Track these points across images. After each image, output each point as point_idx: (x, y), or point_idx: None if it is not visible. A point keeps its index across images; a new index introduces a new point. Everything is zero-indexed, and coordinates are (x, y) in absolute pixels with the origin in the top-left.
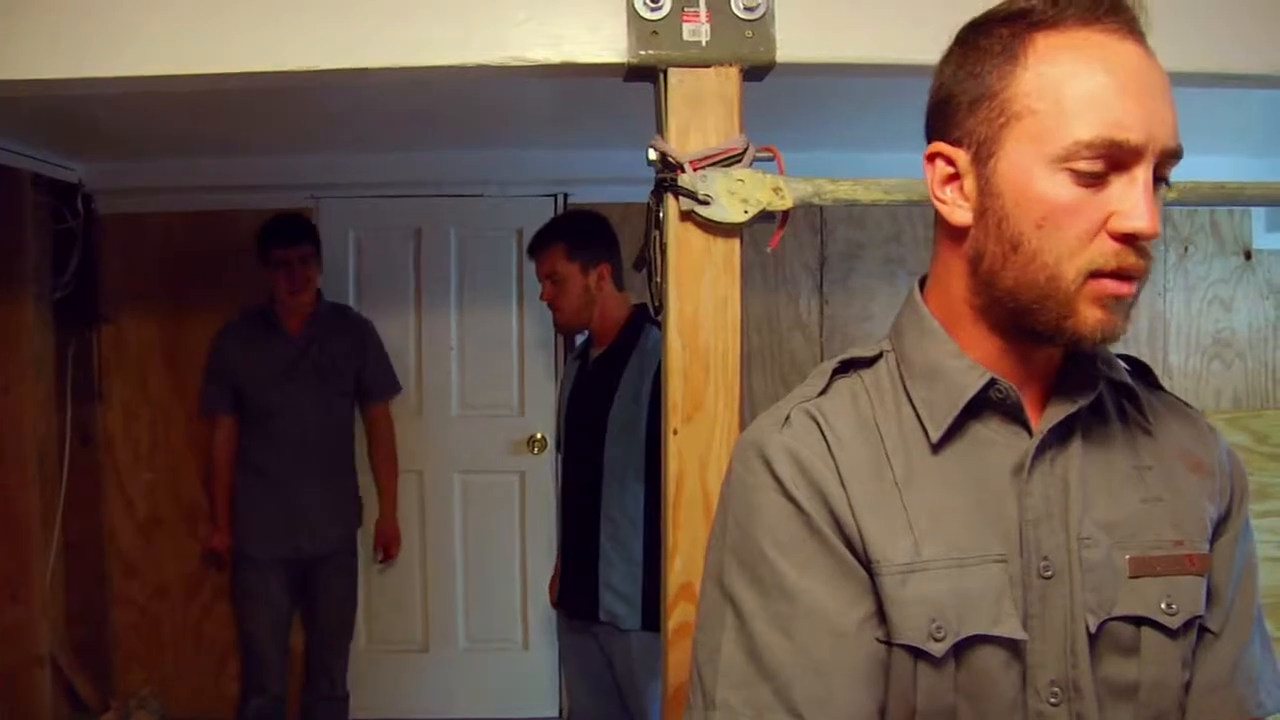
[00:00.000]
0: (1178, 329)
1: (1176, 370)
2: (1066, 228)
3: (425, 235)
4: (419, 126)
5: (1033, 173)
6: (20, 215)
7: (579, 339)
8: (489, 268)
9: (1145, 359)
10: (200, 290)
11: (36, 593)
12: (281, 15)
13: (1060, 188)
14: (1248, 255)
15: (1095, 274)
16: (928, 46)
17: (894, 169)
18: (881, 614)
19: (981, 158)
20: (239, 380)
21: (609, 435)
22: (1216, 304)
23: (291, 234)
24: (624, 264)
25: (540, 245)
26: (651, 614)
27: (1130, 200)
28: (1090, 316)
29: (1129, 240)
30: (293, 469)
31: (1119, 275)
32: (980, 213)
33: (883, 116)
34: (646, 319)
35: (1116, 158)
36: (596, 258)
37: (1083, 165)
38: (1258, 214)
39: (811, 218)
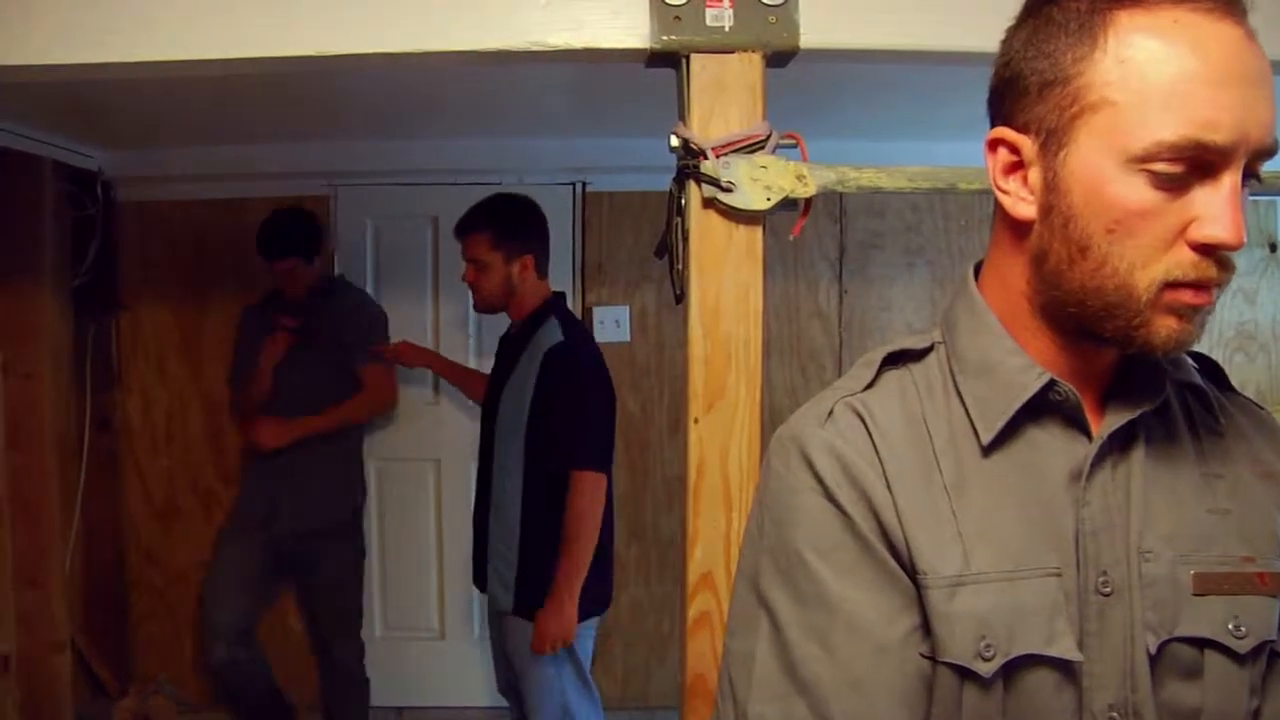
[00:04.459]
0: None
1: None
2: (1141, 234)
3: (443, 224)
4: (437, 115)
5: (1106, 172)
6: (40, 203)
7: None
8: None
9: None
10: (218, 278)
11: (55, 578)
12: (300, 1)
13: (1136, 191)
14: (1273, 247)
15: (1171, 284)
16: (955, 33)
17: (916, 157)
18: (926, 628)
19: (1050, 149)
20: (252, 359)
21: (498, 425)
22: (1240, 296)
23: (278, 248)
24: (549, 252)
25: (466, 230)
26: (523, 601)
27: (1214, 207)
28: (1163, 327)
29: (1209, 250)
30: (288, 446)
31: (1196, 286)
32: (1046, 209)
33: (907, 104)
34: (554, 310)
35: (1201, 160)
36: (522, 249)
37: (1163, 167)
38: None
39: (831, 207)
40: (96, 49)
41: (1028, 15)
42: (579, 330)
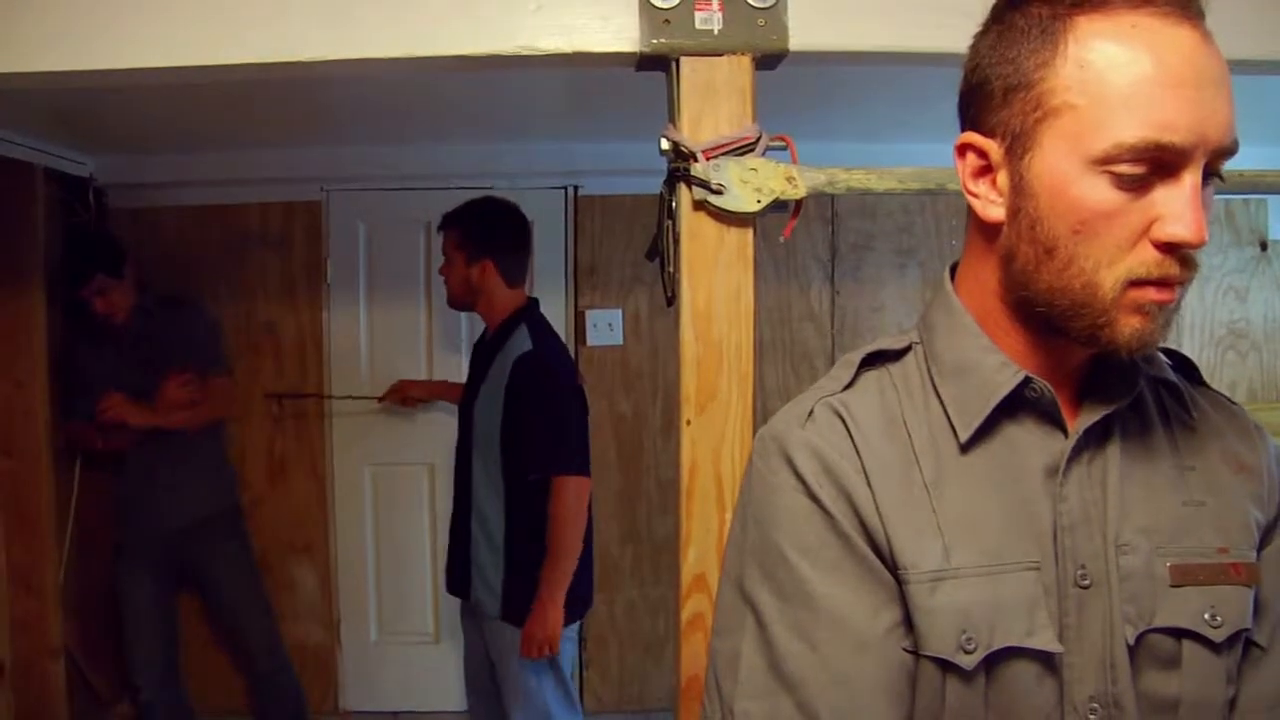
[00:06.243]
0: (1192, 320)
1: None
2: (1105, 234)
3: (435, 228)
4: (429, 119)
5: (1070, 174)
6: (32, 209)
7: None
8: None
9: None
10: (211, 283)
11: (50, 585)
12: (289, 5)
13: (1099, 192)
14: (1263, 246)
15: (1135, 283)
16: (942, 34)
17: (906, 159)
18: (909, 622)
19: (1016, 153)
20: (90, 385)
21: (474, 427)
22: (1231, 295)
23: (82, 272)
24: (526, 258)
25: (441, 225)
26: (510, 606)
27: (1175, 206)
28: (1127, 326)
29: (1172, 249)
30: (145, 453)
31: (1160, 284)
32: (1014, 211)
33: (895, 106)
34: (525, 318)
35: (1161, 160)
36: (482, 254)
37: (1124, 169)
38: (1275, 205)
39: (823, 209)
40: (86, 56)
41: (993, 21)
42: (548, 338)
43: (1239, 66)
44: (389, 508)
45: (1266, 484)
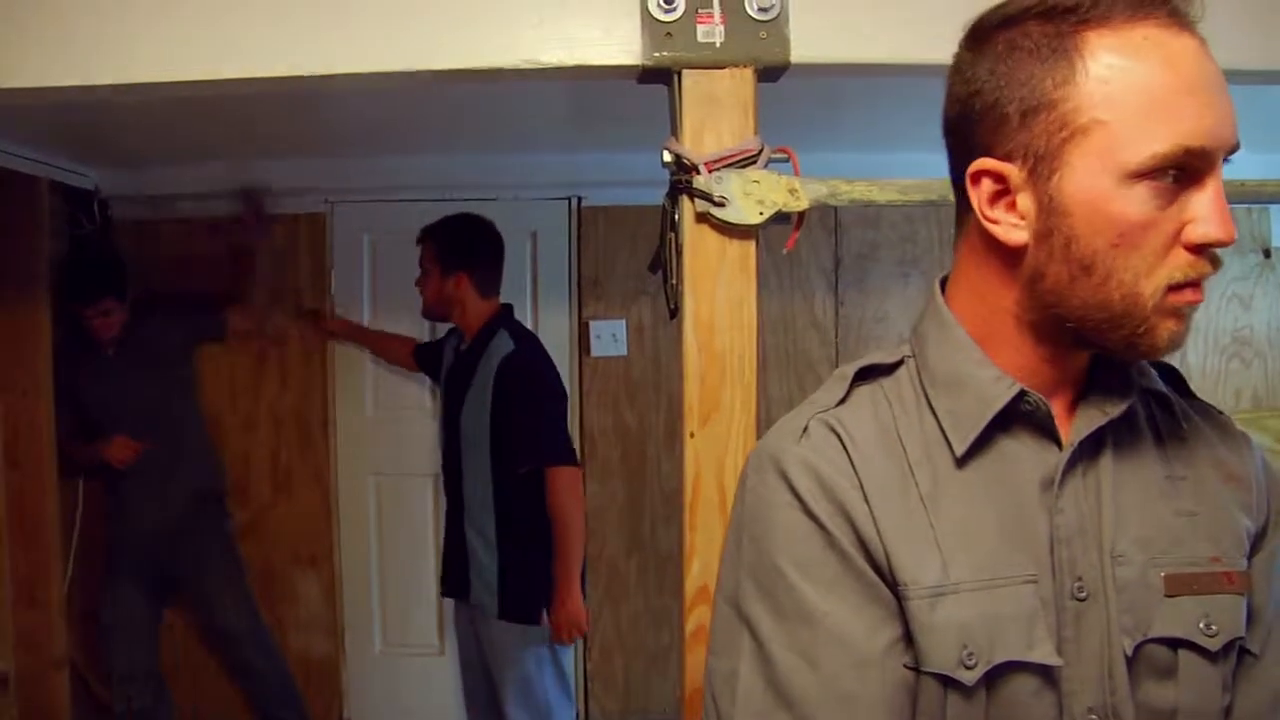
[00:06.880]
0: (1196, 327)
1: (1195, 369)
2: (1143, 245)
3: None
4: (434, 131)
5: (1106, 190)
6: (37, 221)
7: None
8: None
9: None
10: (215, 295)
11: (54, 596)
12: (291, 20)
13: (1137, 203)
14: (1267, 254)
15: (1174, 287)
16: (945, 46)
17: (907, 169)
18: (908, 638)
19: (1041, 174)
20: (81, 404)
21: (462, 434)
22: (1235, 302)
23: (90, 292)
24: (500, 271)
25: (419, 239)
26: (507, 605)
27: (1205, 208)
28: (1166, 330)
29: (1203, 249)
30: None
31: (1195, 285)
32: (1044, 232)
33: (897, 117)
34: (503, 323)
35: (1190, 165)
36: (455, 267)
37: (1158, 178)
38: (1278, 213)
39: (826, 219)
40: (90, 71)
41: (981, 43)
42: (529, 339)
43: (1241, 76)
44: (393, 519)
45: (1255, 492)
